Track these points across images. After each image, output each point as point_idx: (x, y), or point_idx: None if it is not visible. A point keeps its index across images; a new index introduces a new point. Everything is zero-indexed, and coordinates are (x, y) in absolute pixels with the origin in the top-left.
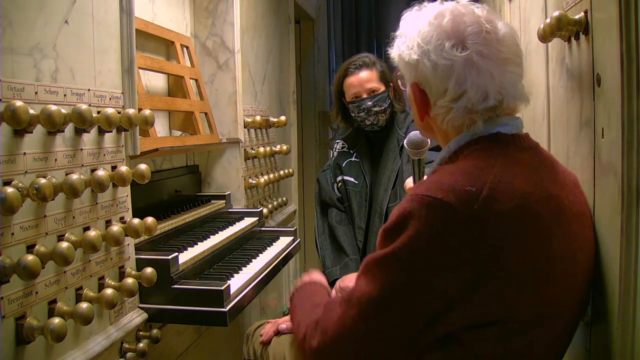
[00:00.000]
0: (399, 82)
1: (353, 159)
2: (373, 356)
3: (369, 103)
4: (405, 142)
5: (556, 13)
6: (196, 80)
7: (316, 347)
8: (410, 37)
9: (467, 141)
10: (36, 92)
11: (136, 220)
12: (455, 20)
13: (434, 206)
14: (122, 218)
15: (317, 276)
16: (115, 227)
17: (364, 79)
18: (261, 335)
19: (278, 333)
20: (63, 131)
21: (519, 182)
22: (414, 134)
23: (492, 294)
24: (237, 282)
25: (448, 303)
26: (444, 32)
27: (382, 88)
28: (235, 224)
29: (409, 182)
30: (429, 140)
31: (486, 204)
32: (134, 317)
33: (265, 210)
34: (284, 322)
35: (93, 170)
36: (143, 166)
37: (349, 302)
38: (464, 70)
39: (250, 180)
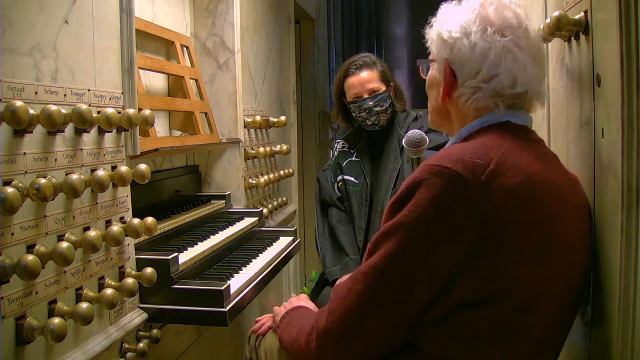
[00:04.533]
0: (420, 70)
1: (354, 158)
2: (379, 333)
3: (370, 103)
4: (404, 141)
5: (556, 13)
6: (196, 80)
7: (324, 328)
8: (452, 19)
9: (477, 128)
10: (36, 92)
11: (136, 220)
12: (498, 10)
13: (442, 174)
14: (122, 218)
15: (304, 302)
16: (115, 227)
17: (364, 79)
18: (256, 322)
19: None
20: (63, 131)
21: (524, 163)
22: (413, 132)
23: (492, 264)
24: (237, 282)
25: (452, 272)
26: (486, 18)
27: (383, 88)
28: (235, 224)
29: None
30: (427, 139)
31: (493, 176)
32: (134, 317)
33: (265, 210)
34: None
35: (93, 170)
36: (143, 166)
37: (354, 279)
38: (500, 55)
39: (250, 180)
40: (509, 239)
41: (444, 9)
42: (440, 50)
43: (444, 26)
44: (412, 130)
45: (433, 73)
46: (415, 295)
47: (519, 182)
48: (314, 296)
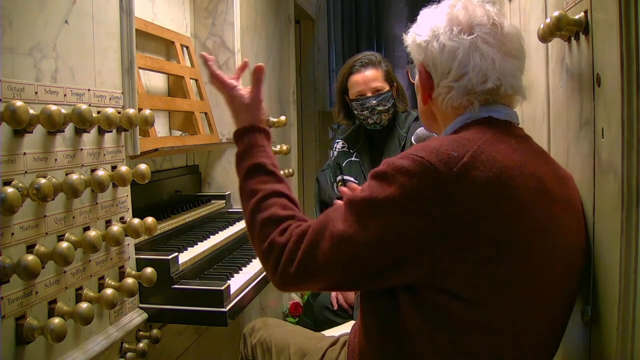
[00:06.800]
0: (409, 75)
1: (353, 158)
2: (335, 283)
3: (373, 102)
4: (413, 138)
5: (556, 13)
6: (196, 80)
7: (280, 272)
8: (424, 23)
9: (460, 125)
10: (36, 92)
11: (136, 220)
12: (466, 10)
13: (417, 163)
14: (122, 218)
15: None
16: (115, 227)
17: (369, 77)
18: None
19: None
20: (63, 131)
21: (501, 157)
22: (422, 129)
23: (467, 257)
24: (237, 282)
25: (417, 249)
26: (454, 19)
27: (387, 87)
28: (235, 224)
29: None
30: (436, 135)
31: (465, 169)
32: (134, 317)
33: None
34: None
35: (93, 170)
36: (143, 166)
37: (321, 234)
38: (468, 53)
39: None
40: (480, 230)
41: (420, 15)
42: (415, 54)
43: (417, 31)
44: (421, 128)
45: (417, 77)
46: (378, 264)
47: (492, 176)
48: (313, 296)
